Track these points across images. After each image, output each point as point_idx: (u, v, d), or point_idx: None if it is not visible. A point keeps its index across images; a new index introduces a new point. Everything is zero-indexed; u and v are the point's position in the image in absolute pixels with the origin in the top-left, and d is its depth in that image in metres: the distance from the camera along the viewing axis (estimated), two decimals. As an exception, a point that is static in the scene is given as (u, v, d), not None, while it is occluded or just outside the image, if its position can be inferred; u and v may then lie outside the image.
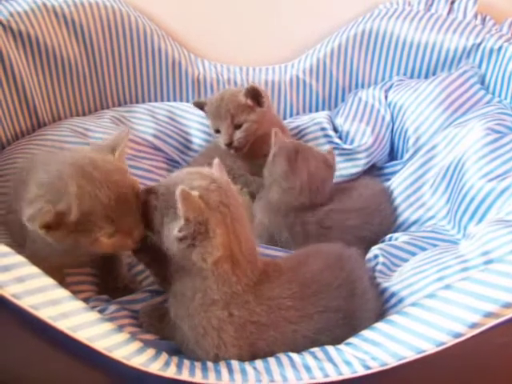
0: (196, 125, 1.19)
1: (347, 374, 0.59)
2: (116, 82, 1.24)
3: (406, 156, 1.10)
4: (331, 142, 1.14)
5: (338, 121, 1.18)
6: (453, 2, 1.19)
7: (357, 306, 0.71)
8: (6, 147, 1.07)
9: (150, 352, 0.58)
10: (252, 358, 0.66)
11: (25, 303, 0.51)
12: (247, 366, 0.63)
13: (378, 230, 0.95)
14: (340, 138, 1.15)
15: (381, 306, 0.77)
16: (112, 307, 0.74)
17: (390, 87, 1.21)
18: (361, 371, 0.59)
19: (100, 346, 0.54)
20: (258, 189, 1.02)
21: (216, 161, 0.71)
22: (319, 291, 0.70)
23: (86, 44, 1.17)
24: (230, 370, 0.62)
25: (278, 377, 0.60)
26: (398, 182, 1.04)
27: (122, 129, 0.68)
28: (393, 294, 0.77)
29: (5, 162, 1.00)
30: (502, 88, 1.08)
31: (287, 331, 0.67)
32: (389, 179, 1.09)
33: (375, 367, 0.59)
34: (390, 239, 0.93)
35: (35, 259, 0.56)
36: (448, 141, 1.00)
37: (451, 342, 0.56)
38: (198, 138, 1.19)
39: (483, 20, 1.16)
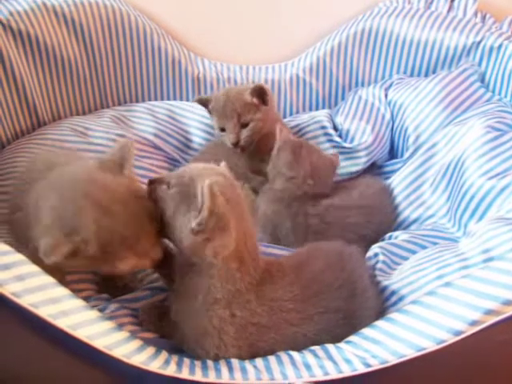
0: (196, 123, 1.19)
1: (347, 372, 0.59)
2: (116, 81, 1.24)
3: (406, 154, 1.10)
4: (331, 141, 1.14)
5: (338, 119, 1.18)
6: (453, 0, 1.19)
7: (357, 306, 0.71)
8: (6, 146, 1.07)
9: (150, 350, 0.58)
10: (252, 357, 0.66)
11: (25, 301, 0.51)
12: (247, 364, 0.63)
13: (378, 229, 0.95)
14: (340, 136, 1.15)
15: (381, 304, 0.77)
16: (112, 306, 0.74)
17: (390, 85, 1.21)
18: (361, 369, 0.59)
19: (100, 344, 0.54)
20: (259, 187, 1.02)
21: (223, 163, 0.72)
22: (320, 292, 0.70)
23: (85, 43, 1.17)
24: (230, 369, 0.62)
25: (278, 375, 0.60)
26: (398, 181, 1.04)
27: (124, 140, 0.65)
28: (393, 293, 0.77)
29: (5, 161, 1.00)
30: (502, 86, 1.08)
31: (288, 333, 0.67)
32: (389, 177, 1.09)
33: (375, 365, 0.59)
34: (390, 238, 0.93)
35: (36, 258, 0.56)
36: (448, 139, 1.00)
37: (451, 339, 0.56)
38: (198, 137, 1.19)
39: (483, 18, 1.16)
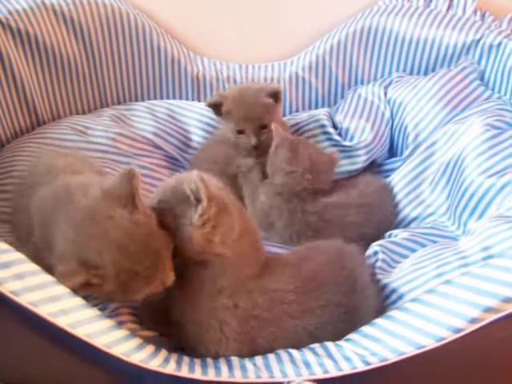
0: (196, 122, 1.19)
1: (347, 369, 0.59)
2: (115, 80, 1.24)
3: (406, 152, 1.10)
4: (331, 139, 1.14)
5: (338, 118, 1.18)
6: (452, -2, 1.19)
7: (357, 302, 0.71)
8: (6, 145, 1.06)
9: (150, 348, 0.58)
10: (252, 354, 0.66)
11: (24, 300, 0.51)
12: (247, 362, 0.63)
13: (378, 227, 0.95)
14: (339, 134, 1.15)
15: (381, 302, 0.77)
16: (112, 305, 0.74)
17: (390, 84, 1.20)
18: (360, 367, 0.59)
19: (99, 342, 0.54)
20: (258, 187, 1.02)
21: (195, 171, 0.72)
22: (322, 285, 0.70)
23: (85, 42, 1.17)
24: (230, 367, 0.62)
25: (278, 373, 0.60)
26: (398, 179, 1.04)
27: (128, 167, 0.65)
28: (393, 291, 0.77)
29: (4, 160, 1.00)
30: (502, 84, 1.08)
31: (288, 327, 0.67)
32: (388, 176, 1.09)
33: (375, 363, 0.59)
34: (390, 236, 0.93)
35: (36, 258, 0.56)
36: (448, 137, 1.00)
37: (451, 337, 0.56)
38: (197, 136, 1.18)
39: (482, 16, 1.16)
